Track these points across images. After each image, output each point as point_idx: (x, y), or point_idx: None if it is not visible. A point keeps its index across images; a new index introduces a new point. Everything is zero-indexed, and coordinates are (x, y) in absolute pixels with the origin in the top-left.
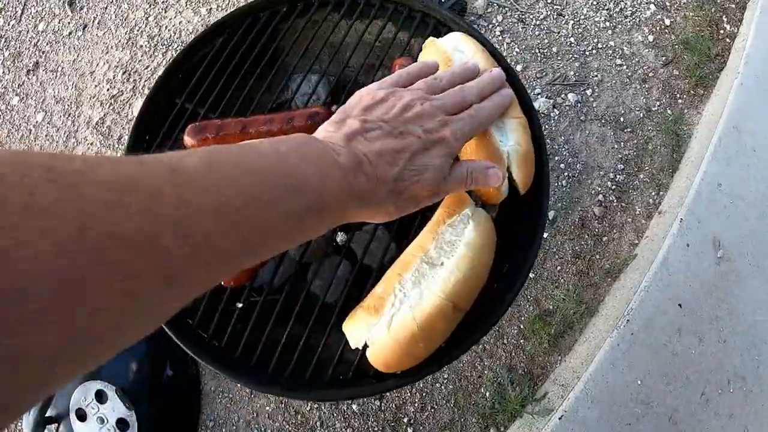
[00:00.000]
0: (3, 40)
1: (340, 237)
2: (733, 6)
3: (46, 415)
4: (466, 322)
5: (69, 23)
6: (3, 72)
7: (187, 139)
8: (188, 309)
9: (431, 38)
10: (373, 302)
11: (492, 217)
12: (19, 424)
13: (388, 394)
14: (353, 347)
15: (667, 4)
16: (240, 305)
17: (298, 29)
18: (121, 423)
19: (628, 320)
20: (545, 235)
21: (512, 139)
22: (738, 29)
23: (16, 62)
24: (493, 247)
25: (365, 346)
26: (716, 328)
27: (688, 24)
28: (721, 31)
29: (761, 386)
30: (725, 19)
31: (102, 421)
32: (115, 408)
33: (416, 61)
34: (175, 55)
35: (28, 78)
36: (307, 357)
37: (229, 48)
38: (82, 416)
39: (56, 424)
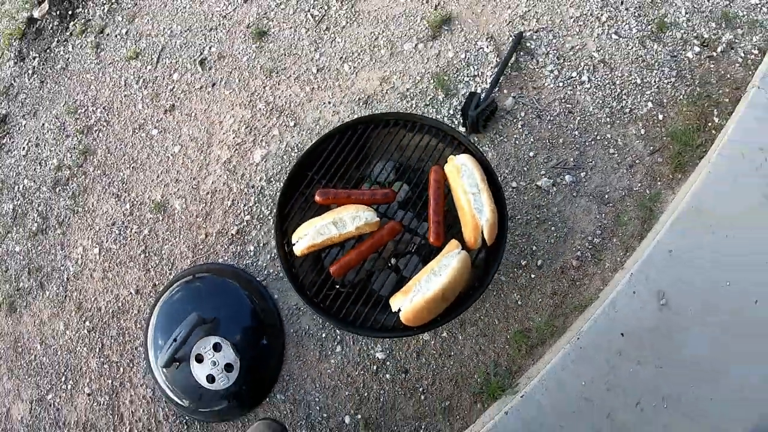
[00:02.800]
0: (141, 80)
1: (393, 261)
2: (727, 100)
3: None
4: (450, 308)
5: (200, 78)
6: (142, 107)
7: (317, 197)
8: (307, 285)
9: (451, 156)
10: (406, 289)
11: (470, 254)
12: (142, 362)
13: (409, 381)
14: (394, 310)
15: (664, 101)
16: (337, 287)
17: (381, 136)
18: (228, 367)
19: (578, 338)
20: (532, 276)
21: (485, 216)
22: (727, 122)
23: (154, 101)
24: (468, 269)
25: (399, 310)
26: (655, 356)
27: (679, 117)
28: (710, 124)
29: (697, 410)
30: (716, 113)
31: (214, 364)
32: (226, 356)
33: (443, 166)
34: (286, 121)
35: (165, 116)
36: (369, 316)
37: (340, 145)
38: (199, 359)
39: (178, 363)
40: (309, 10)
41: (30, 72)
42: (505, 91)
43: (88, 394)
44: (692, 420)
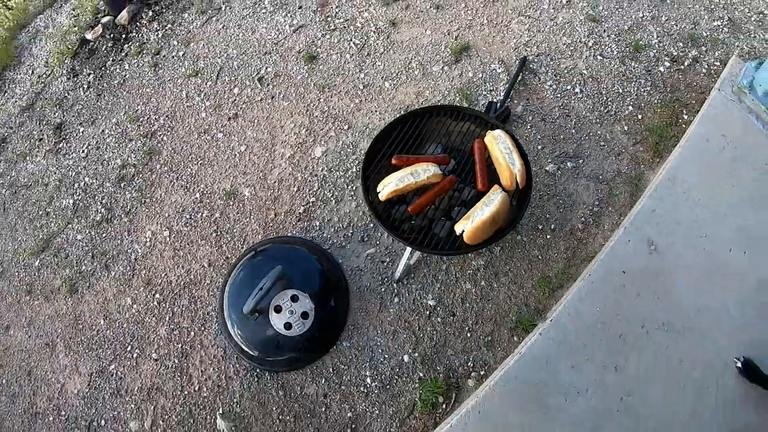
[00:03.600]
0: (203, 94)
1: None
2: (694, 102)
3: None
4: (498, 232)
5: (260, 92)
6: (206, 115)
7: (394, 160)
8: (391, 222)
9: (489, 131)
10: (467, 215)
11: (508, 194)
12: (214, 325)
13: (456, 322)
14: (458, 233)
15: (642, 104)
16: (411, 223)
17: (433, 123)
18: (304, 315)
19: (589, 275)
20: (548, 237)
21: (517, 166)
22: (694, 118)
23: (217, 111)
24: (508, 203)
25: (462, 231)
26: (650, 289)
27: (655, 116)
28: (680, 120)
29: (686, 332)
30: (685, 112)
31: (292, 313)
32: (303, 305)
33: (483, 138)
34: (340, 125)
35: (230, 122)
36: (439, 239)
37: (403, 131)
38: (278, 309)
39: (258, 314)
40: (351, 40)
41: (85, 86)
42: (515, 101)
43: (155, 360)
44: (687, 340)
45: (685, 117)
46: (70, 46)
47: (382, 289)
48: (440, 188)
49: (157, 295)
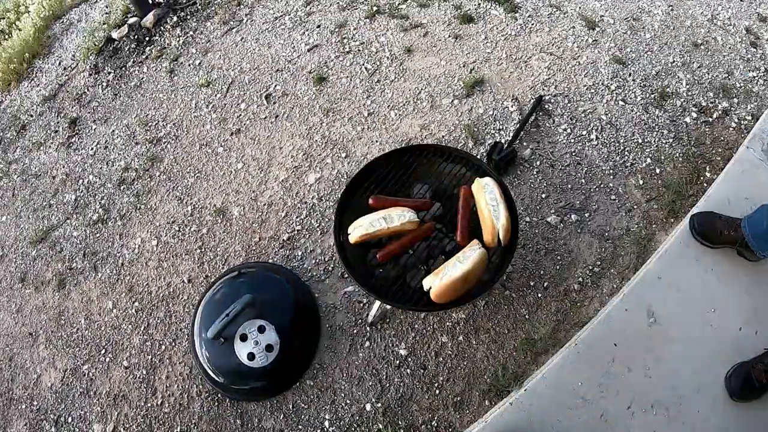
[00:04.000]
0: (211, 105)
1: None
2: (719, 158)
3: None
4: (470, 291)
5: (265, 110)
6: (210, 128)
7: (371, 201)
8: (359, 268)
9: (477, 178)
10: (437, 272)
11: (487, 251)
12: (185, 342)
13: (426, 377)
14: (425, 288)
15: (662, 158)
16: (380, 270)
17: (423, 163)
18: (269, 348)
19: (576, 344)
20: (539, 295)
21: (501, 221)
22: (717, 176)
23: (221, 124)
24: (484, 261)
25: (430, 288)
26: (643, 365)
27: (675, 172)
28: (702, 178)
29: (682, 418)
30: (708, 169)
31: (256, 343)
32: (268, 338)
33: (470, 186)
34: (338, 153)
35: (231, 138)
36: (406, 293)
37: (389, 167)
38: (243, 338)
39: (223, 340)
40: (363, 64)
41: (104, 84)
42: (524, 143)
43: (126, 367)
44: (678, 427)
45: (708, 174)
46: (96, 43)
47: (355, 331)
48: (413, 237)
49: (137, 303)
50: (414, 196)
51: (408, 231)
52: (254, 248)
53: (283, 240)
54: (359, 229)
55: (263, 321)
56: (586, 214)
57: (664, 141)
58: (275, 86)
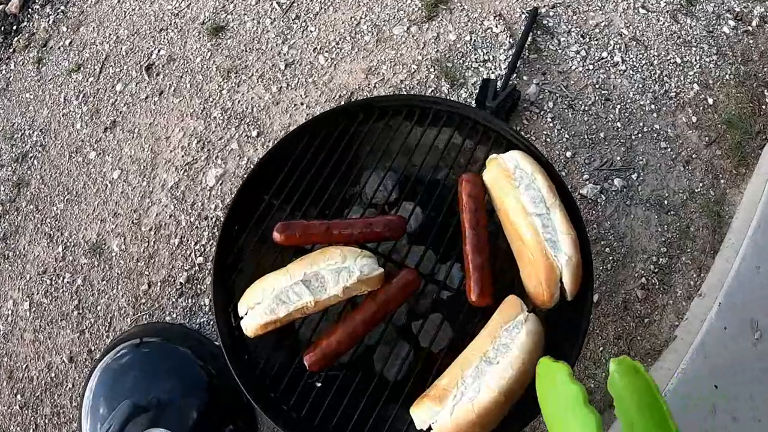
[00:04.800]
0: (82, 95)
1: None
2: None
3: None
4: (517, 408)
5: (146, 87)
6: (81, 126)
7: (276, 235)
8: (273, 383)
9: (494, 155)
10: (438, 393)
11: (537, 320)
12: None
13: None
14: (418, 428)
15: (710, 82)
16: (319, 384)
17: (375, 134)
18: None
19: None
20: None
21: (564, 250)
22: None
23: (94, 118)
24: (541, 349)
25: (429, 428)
26: (751, 407)
27: (730, 101)
28: (763, 106)
29: None
30: (767, 93)
31: None
32: None
33: (481, 173)
34: (247, 131)
35: (105, 135)
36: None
37: (312, 149)
38: None
39: None
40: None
41: None
42: (525, 78)
43: None
44: None
45: None
46: None
47: None
48: (378, 312)
49: (20, 397)
50: (367, 198)
51: (364, 295)
52: (143, 300)
53: (181, 284)
54: (257, 310)
55: (163, 430)
56: (633, 176)
57: (706, 59)
58: (158, 51)
